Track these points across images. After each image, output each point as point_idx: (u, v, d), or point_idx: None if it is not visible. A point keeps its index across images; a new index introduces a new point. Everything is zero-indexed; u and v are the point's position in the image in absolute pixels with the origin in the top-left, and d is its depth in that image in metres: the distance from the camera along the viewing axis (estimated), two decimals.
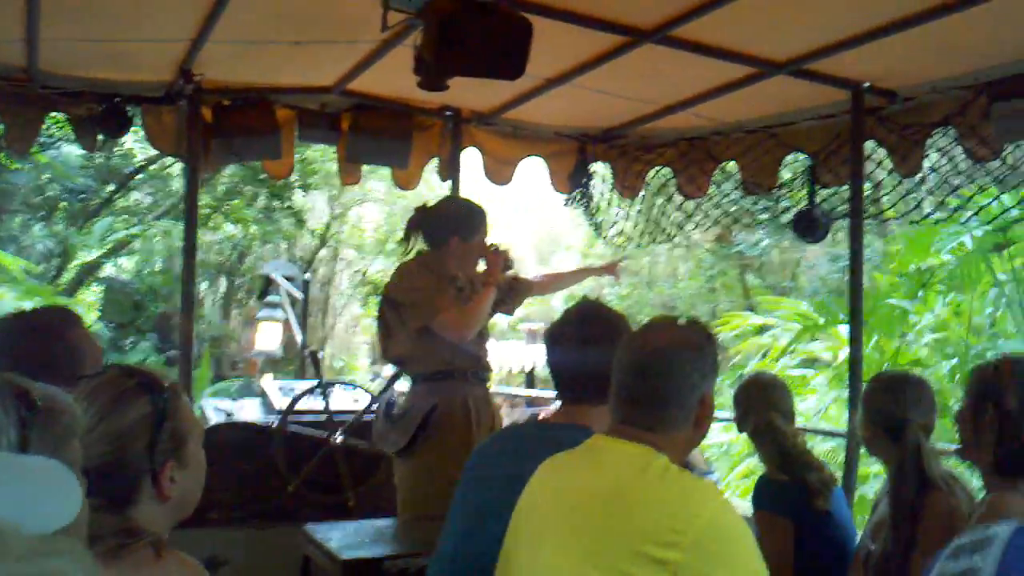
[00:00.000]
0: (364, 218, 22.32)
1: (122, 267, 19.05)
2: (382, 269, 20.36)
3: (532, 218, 26.33)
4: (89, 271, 17.78)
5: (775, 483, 3.48)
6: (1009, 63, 3.93)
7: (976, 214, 4.77)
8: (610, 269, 5.05)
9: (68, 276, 17.29)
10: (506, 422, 4.59)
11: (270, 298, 11.48)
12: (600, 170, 5.81)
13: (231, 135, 4.76)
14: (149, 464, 1.80)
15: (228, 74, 4.60)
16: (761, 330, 12.15)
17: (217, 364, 18.24)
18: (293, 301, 11.64)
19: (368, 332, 21.75)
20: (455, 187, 5.41)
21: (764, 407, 3.62)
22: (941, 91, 4.26)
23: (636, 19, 3.86)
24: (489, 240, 4.33)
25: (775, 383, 3.81)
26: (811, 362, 11.65)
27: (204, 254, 18.28)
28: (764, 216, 5.70)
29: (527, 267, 24.57)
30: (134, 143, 14.96)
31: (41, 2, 3.54)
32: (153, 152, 13.46)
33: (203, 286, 19.48)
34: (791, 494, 3.40)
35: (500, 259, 4.33)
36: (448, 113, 5.25)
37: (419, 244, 4.35)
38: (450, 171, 5.39)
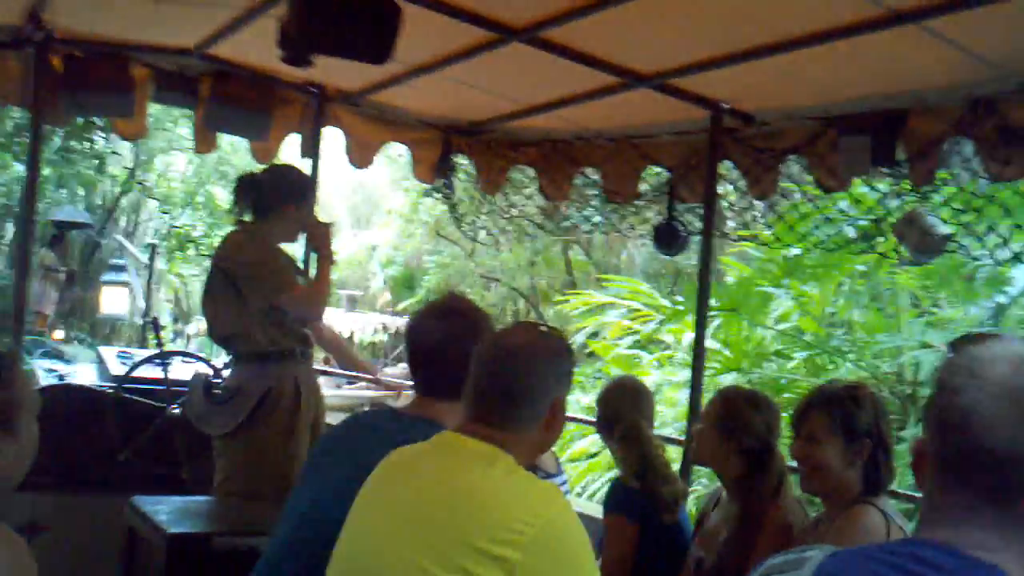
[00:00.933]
0: (171, 167, 21.05)
1: None
2: (188, 224, 19.35)
3: (347, 179, 25.15)
4: None
5: (630, 489, 3.53)
6: (855, 99, 4.08)
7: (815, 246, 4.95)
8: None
9: None
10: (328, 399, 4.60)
11: (115, 261, 11.12)
12: (463, 164, 5.79)
13: (81, 89, 4.55)
14: None
15: (83, 24, 4.39)
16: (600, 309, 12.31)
17: (2, 317, 16.94)
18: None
19: (172, 288, 20.67)
20: (315, 165, 5.31)
21: (634, 412, 3.67)
22: (794, 119, 4.39)
23: (507, 16, 3.85)
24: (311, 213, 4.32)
25: (643, 389, 3.89)
26: (648, 343, 11.88)
27: None
28: (624, 226, 5.78)
29: (344, 232, 23.75)
30: None
31: None
32: None
33: None
34: (642, 501, 3.49)
35: (329, 233, 4.29)
36: (312, 90, 5.14)
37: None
38: (311, 149, 5.29)
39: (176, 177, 20.99)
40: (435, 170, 5.71)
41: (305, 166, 5.29)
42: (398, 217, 22.22)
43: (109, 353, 7.97)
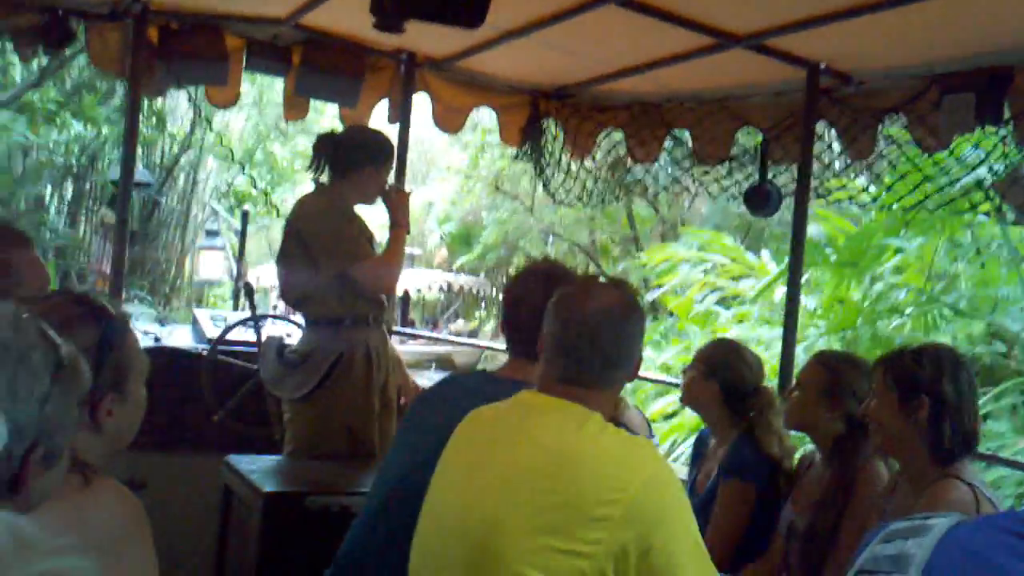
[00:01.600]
0: (230, 125, 20.30)
1: None
2: (245, 183, 18.71)
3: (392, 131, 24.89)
4: None
5: (760, 456, 3.47)
6: (960, 58, 3.96)
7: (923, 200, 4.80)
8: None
9: None
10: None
11: (210, 226, 11.30)
12: (551, 127, 5.76)
13: (177, 58, 4.62)
14: (88, 394, 1.76)
15: None
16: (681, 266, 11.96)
17: (64, 277, 16.73)
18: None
19: (233, 247, 19.65)
20: (404, 131, 5.33)
21: (761, 379, 3.65)
22: (894, 78, 4.28)
23: None
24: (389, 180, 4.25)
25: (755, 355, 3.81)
26: (731, 300, 11.61)
27: (48, 155, 16.77)
28: (713, 188, 5.69)
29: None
30: None
31: None
32: None
33: (47, 191, 17.57)
34: (766, 469, 3.46)
35: (406, 199, 4.26)
36: (402, 56, 5.15)
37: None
38: (400, 114, 5.31)
39: (234, 135, 20.35)
40: (523, 134, 5.69)
41: (392, 132, 5.32)
42: (457, 173, 21.52)
43: (203, 316, 8.15)
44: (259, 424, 4.85)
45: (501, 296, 2.80)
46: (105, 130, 16.45)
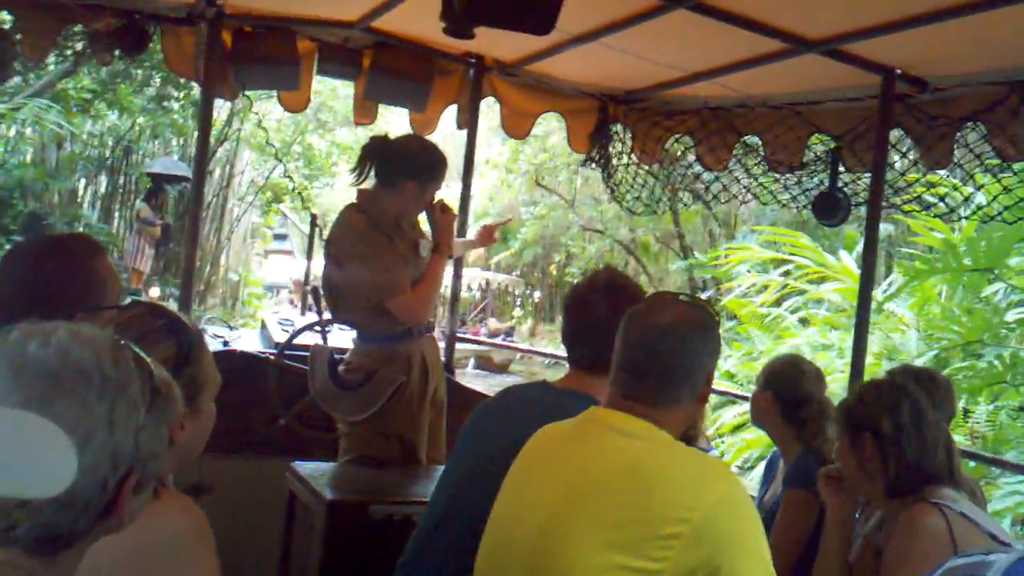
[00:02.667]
0: (268, 116, 18.70)
1: None
2: (281, 177, 17.82)
3: (441, 131, 24.21)
4: None
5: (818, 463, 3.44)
6: None
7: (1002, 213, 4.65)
8: (486, 239, 4.89)
9: None
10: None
11: (278, 230, 11.36)
12: (619, 133, 5.72)
13: (250, 62, 4.69)
14: None
15: (251, 0, 4.52)
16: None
17: None
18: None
19: (268, 240, 18.55)
20: (472, 136, 5.34)
21: (822, 390, 3.61)
22: (972, 85, 4.17)
23: None
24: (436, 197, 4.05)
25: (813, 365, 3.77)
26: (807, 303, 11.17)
27: (82, 147, 16.07)
28: (784, 196, 5.60)
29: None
30: None
31: None
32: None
33: (81, 183, 16.70)
34: None
35: (452, 221, 4.09)
36: (471, 60, 5.16)
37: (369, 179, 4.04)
38: (468, 119, 5.32)
39: (271, 127, 18.63)
40: (591, 139, 5.67)
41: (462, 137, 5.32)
42: (496, 168, 20.58)
43: (271, 320, 8.26)
44: (324, 429, 4.89)
45: (563, 305, 2.79)
46: (141, 120, 15.76)
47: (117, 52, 4.55)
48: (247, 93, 5.45)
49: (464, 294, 20.73)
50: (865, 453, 2.63)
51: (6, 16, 4.33)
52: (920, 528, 2.44)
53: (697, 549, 1.89)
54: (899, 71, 4.28)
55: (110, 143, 16.38)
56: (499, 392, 2.89)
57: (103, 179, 16.99)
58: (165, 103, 15.52)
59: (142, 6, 4.46)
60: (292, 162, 17.64)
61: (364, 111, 5.40)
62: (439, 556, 2.51)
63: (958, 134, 4.32)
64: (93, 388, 1.19)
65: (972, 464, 6.28)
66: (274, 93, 5.78)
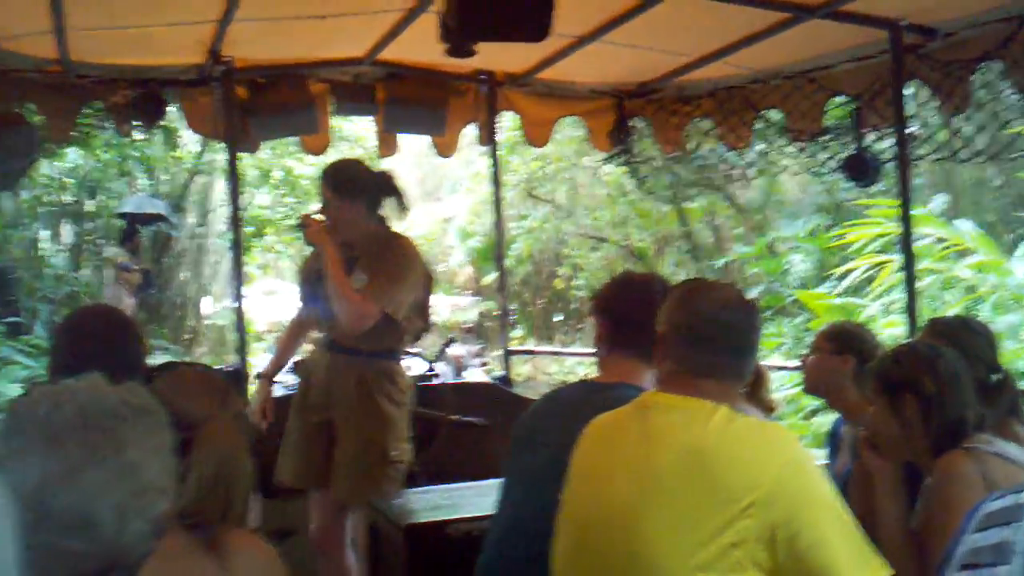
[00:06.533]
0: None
1: None
2: (263, 205, 15.92)
3: (411, 151, 19.48)
4: None
5: None
6: None
7: None
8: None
9: None
10: None
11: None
12: (639, 125, 5.73)
13: (267, 113, 4.78)
14: None
15: (259, 52, 4.62)
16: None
17: None
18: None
19: (255, 278, 16.62)
20: (493, 151, 5.39)
21: None
22: (980, 25, 4.12)
23: None
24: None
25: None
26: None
27: (39, 191, 13.97)
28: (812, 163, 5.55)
29: (415, 202, 20.33)
30: None
31: None
32: None
33: (42, 233, 14.47)
34: None
35: (315, 227, 3.97)
36: (482, 77, 5.21)
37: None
38: (488, 136, 5.37)
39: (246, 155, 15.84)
40: (612, 138, 5.69)
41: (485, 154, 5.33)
42: (479, 182, 17.91)
43: None
44: None
45: (592, 302, 2.86)
46: (106, 156, 14.00)
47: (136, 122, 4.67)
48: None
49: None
50: (907, 414, 2.58)
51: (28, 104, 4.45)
52: (950, 476, 2.42)
53: (772, 512, 1.93)
54: (905, 22, 4.25)
55: (74, 185, 14.58)
56: (541, 398, 2.92)
57: (67, 226, 15.15)
58: (128, 138, 12.77)
59: (154, 74, 4.58)
60: (272, 191, 16.13)
61: (387, 144, 5.47)
62: (519, 564, 2.53)
63: (973, 76, 4.26)
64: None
65: None
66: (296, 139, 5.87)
